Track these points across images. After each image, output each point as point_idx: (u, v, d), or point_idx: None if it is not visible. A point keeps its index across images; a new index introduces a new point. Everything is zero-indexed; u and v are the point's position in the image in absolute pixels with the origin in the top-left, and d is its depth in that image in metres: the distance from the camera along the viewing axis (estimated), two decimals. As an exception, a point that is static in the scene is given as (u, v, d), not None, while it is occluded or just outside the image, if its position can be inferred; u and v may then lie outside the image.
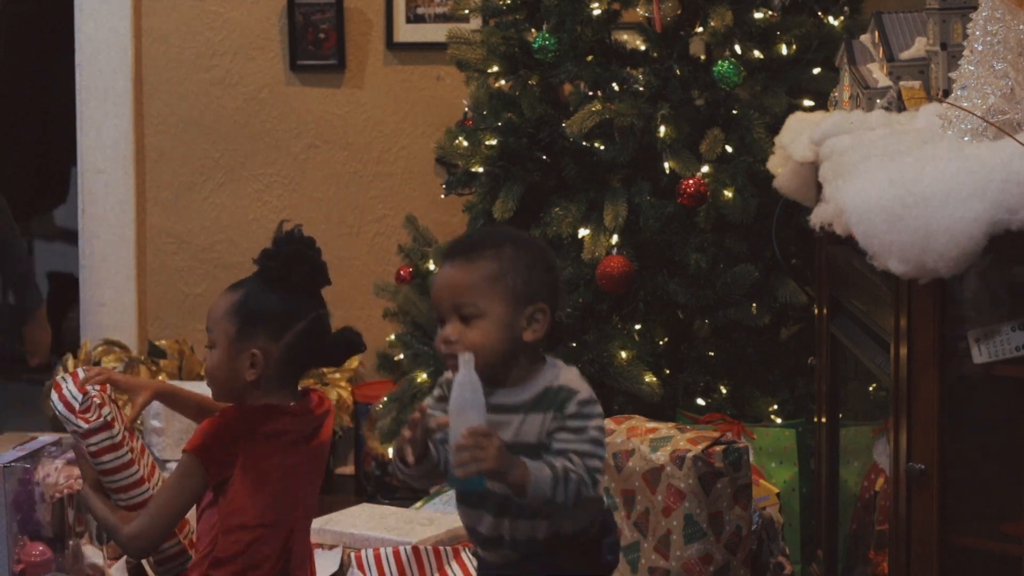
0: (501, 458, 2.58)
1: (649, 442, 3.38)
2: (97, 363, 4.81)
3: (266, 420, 2.96)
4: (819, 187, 3.28)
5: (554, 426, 2.68)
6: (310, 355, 3.02)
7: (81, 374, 3.20)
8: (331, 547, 3.99)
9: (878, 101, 3.39)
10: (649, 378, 4.03)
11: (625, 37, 4.32)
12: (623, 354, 4.06)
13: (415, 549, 3.82)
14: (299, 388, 3.05)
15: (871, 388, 3.41)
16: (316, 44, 5.10)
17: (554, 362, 2.77)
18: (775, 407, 4.13)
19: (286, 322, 2.99)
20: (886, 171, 2.81)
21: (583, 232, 4.12)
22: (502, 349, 2.70)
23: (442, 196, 4.64)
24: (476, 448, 2.57)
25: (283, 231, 3.05)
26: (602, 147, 4.18)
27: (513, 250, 2.73)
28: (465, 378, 2.60)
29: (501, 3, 4.34)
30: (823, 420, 3.56)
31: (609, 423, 3.50)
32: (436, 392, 2.79)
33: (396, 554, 3.80)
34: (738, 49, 4.17)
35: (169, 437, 4.64)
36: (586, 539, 2.75)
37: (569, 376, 2.74)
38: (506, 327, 2.69)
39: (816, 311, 3.64)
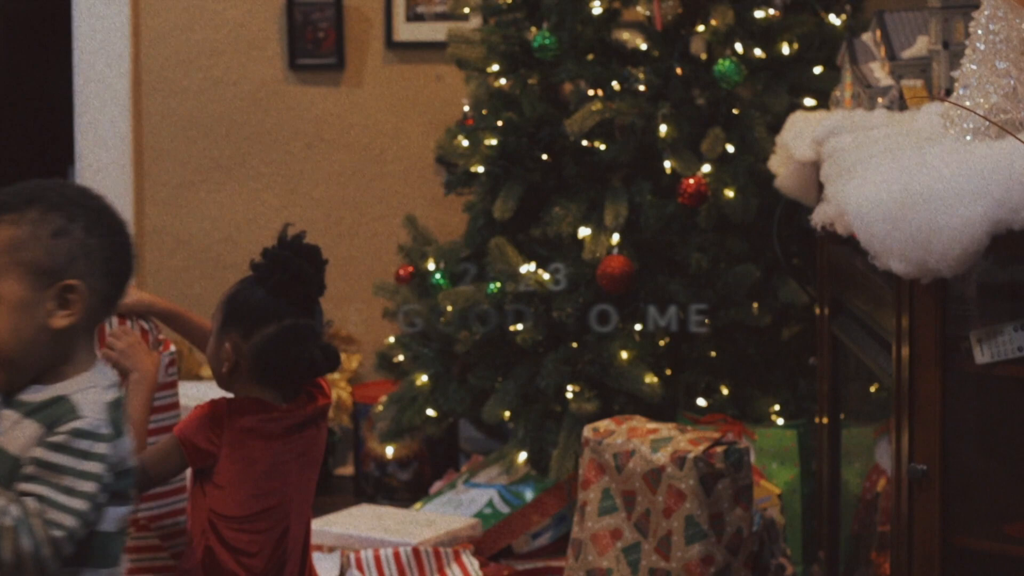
0: None
1: (650, 443, 3.37)
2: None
3: (247, 414, 2.95)
4: (820, 186, 3.27)
5: (36, 454, 2.15)
6: (277, 361, 2.91)
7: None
8: (330, 549, 3.98)
9: (880, 100, 3.38)
10: (650, 378, 4.01)
11: (626, 36, 4.32)
12: (623, 354, 4.05)
13: (415, 550, 3.82)
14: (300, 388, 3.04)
15: (873, 388, 3.40)
16: (315, 43, 5.09)
17: (103, 372, 2.27)
18: (776, 407, 4.12)
19: (258, 323, 2.96)
20: (888, 170, 2.79)
21: (583, 232, 4.11)
22: (18, 341, 2.20)
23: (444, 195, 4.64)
24: None
25: (285, 233, 3.02)
26: (602, 146, 4.17)
27: (39, 212, 2.22)
28: None
29: (501, 2, 4.33)
30: (824, 421, 3.55)
31: (609, 423, 3.49)
32: None
33: (396, 555, 3.80)
34: (739, 48, 4.16)
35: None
36: None
37: (89, 397, 2.21)
38: (22, 312, 2.19)
39: (817, 311, 3.63)
